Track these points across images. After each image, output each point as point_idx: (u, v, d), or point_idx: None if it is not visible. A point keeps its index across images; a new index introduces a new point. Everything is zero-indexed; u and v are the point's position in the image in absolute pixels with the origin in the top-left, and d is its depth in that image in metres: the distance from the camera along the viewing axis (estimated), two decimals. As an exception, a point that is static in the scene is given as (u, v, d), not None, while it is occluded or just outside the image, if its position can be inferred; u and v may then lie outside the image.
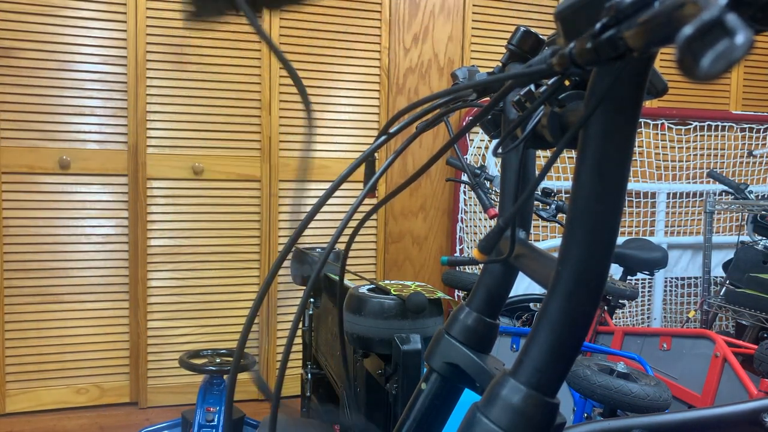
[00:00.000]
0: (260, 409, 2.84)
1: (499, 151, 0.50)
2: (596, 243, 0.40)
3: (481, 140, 3.08)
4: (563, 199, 2.99)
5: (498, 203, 0.65)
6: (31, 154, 2.59)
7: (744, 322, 3.00)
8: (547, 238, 3.25)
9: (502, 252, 0.59)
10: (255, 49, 2.81)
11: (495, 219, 0.55)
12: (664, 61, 3.11)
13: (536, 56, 0.62)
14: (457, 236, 3.12)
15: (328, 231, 2.89)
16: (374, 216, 3.03)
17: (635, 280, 3.38)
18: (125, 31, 2.67)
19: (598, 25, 0.31)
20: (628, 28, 0.30)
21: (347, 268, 1.97)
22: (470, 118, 3.05)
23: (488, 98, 0.52)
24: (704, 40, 0.24)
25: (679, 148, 3.48)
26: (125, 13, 2.66)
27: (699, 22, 0.24)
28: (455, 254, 3.08)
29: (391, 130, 0.55)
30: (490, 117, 0.61)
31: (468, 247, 3.12)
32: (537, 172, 0.64)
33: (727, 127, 3.54)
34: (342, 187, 2.94)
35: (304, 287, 2.17)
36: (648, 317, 3.52)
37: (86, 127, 2.66)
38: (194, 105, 2.77)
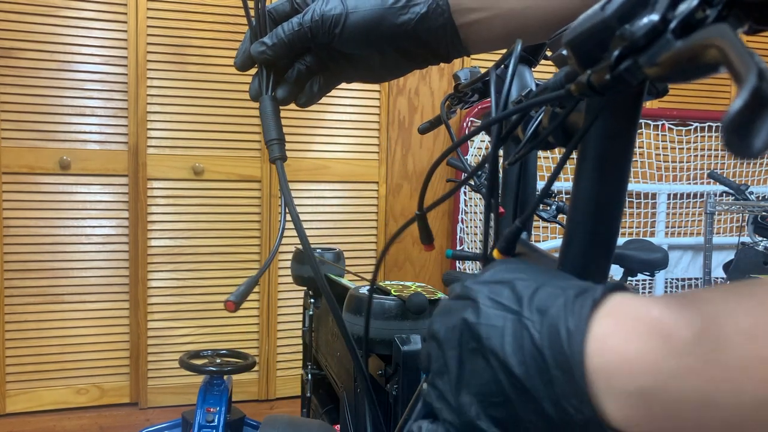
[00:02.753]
0: (260, 410, 2.84)
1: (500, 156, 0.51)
2: (596, 244, 0.40)
3: (481, 141, 3.08)
4: (564, 200, 2.99)
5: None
6: (31, 154, 2.59)
7: (744, 323, 2.99)
8: (548, 239, 3.25)
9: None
10: (255, 49, 2.80)
11: (501, 217, 0.56)
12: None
13: (538, 57, 0.62)
14: (458, 237, 3.12)
15: (327, 231, 2.88)
16: (375, 217, 3.03)
17: (636, 281, 3.38)
18: (125, 31, 2.67)
19: (613, 57, 0.31)
20: (647, 62, 0.29)
21: (347, 268, 1.96)
22: (471, 118, 3.05)
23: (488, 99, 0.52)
24: (749, 114, 0.23)
25: (679, 149, 3.48)
26: (125, 14, 2.66)
27: (744, 97, 0.22)
28: (455, 255, 3.08)
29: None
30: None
31: (468, 248, 3.11)
32: (537, 173, 0.64)
33: (727, 128, 3.54)
34: (344, 187, 2.95)
35: (305, 288, 2.17)
36: (648, 318, 3.51)
37: (86, 127, 2.66)
38: (195, 105, 2.77)
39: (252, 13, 0.57)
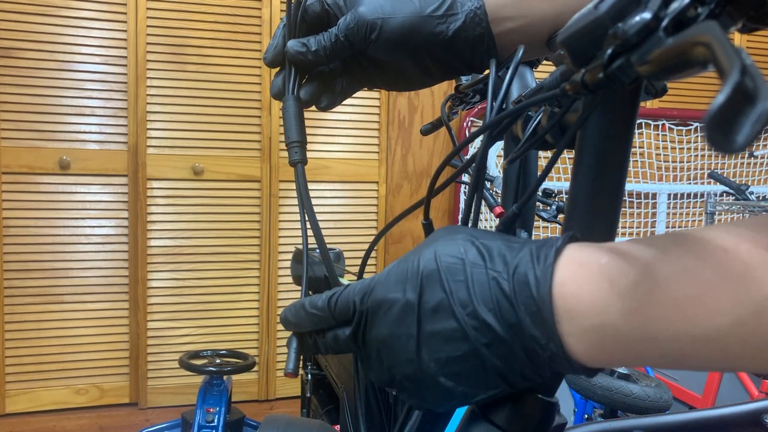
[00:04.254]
0: (260, 410, 2.84)
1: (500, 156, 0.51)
2: (595, 242, 0.40)
3: (480, 141, 3.07)
4: (564, 200, 2.99)
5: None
6: (31, 154, 2.59)
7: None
8: (548, 239, 3.24)
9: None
10: (255, 49, 2.81)
11: (500, 218, 0.57)
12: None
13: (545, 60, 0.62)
14: (458, 237, 3.11)
15: (327, 231, 2.88)
16: (375, 217, 3.03)
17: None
18: (125, 31, 2.67)
19: (606, 55, 0.31)
20: (639, 60, 0.29)
21: (347, 268, 1.96)
22: (471, 118, 3.05)
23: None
24: (731, 109, 0.23)
25: (680, 148, 3.48)
26: (125, 14, 2.66)
27: (726, 93, 0.23)
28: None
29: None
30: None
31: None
32: (537, 173, 0.64)
33: (727, 128, 3.54)
34: (344, 187, 2.94)
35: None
36: (648, 318, 3.51)
37: (86, 127, 2.66)
38: (194, 105, 2.77)
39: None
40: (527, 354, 0.34)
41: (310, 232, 0.53)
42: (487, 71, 0.63)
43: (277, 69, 0.57)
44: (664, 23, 0.29)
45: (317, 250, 0.54)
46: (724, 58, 0.24)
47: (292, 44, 0.54)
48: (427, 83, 0.58)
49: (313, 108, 0.59)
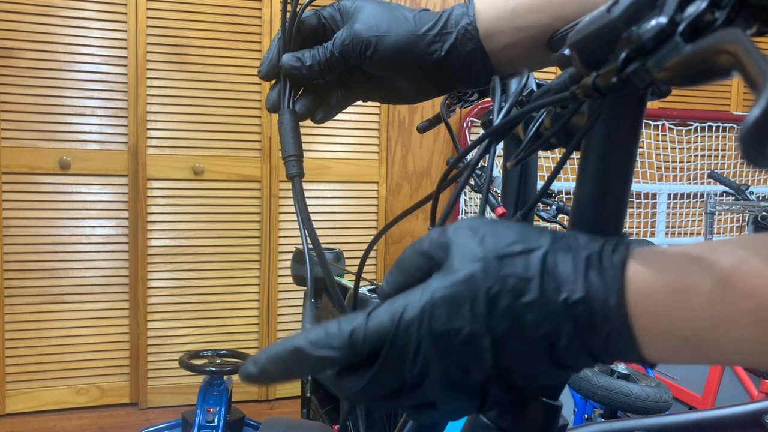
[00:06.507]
0: (260, 410, 2.84)
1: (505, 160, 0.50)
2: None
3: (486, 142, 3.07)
4: (564, 199, 2.99)
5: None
6: (31, 154, 2.59)
7: (744, 323, 2.98)
8: (548, 239, 3.24)
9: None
10: (255, 50, 2.81)
11: (503, 218, 0.56)
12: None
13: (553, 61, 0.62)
14: (458, 237, 3.11)
15: (327, 231, 2.88)
16: (375, 217, 3.03)
17: (636, 280, 3.37)
18: (125, 31, 2.66)
19: (620, 59, 0.30)
20: (656, 66, 0.29)
21: (347, 268, 1.96)
22: (471, 118, 3.05)
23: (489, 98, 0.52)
24: (767, 122, 0.22)
25: (679, 149, 3.48)
26: (125, 14, 2.66)
27: (762, 106, 0.22)
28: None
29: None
30: (491, 117, 0.61)
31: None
32: (537, 172, 0.64)
33: (727, 128, 3.54)
34: (344, 187, 2.94)
35: (305, 288, 2.17)
36: (648, 318, 3.51)
37: (86, 127, 2.66)
38: (194, 105, 2.77)
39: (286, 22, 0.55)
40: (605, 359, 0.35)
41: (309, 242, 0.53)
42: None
43: (273, 82, 0.57)
44: (681, 28, 0.28)
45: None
46: (755, 69, 0.23)
47: (287, 58, 0.54)
48: (420, 98, 0.58)
49: (308, 120, 0.59)
